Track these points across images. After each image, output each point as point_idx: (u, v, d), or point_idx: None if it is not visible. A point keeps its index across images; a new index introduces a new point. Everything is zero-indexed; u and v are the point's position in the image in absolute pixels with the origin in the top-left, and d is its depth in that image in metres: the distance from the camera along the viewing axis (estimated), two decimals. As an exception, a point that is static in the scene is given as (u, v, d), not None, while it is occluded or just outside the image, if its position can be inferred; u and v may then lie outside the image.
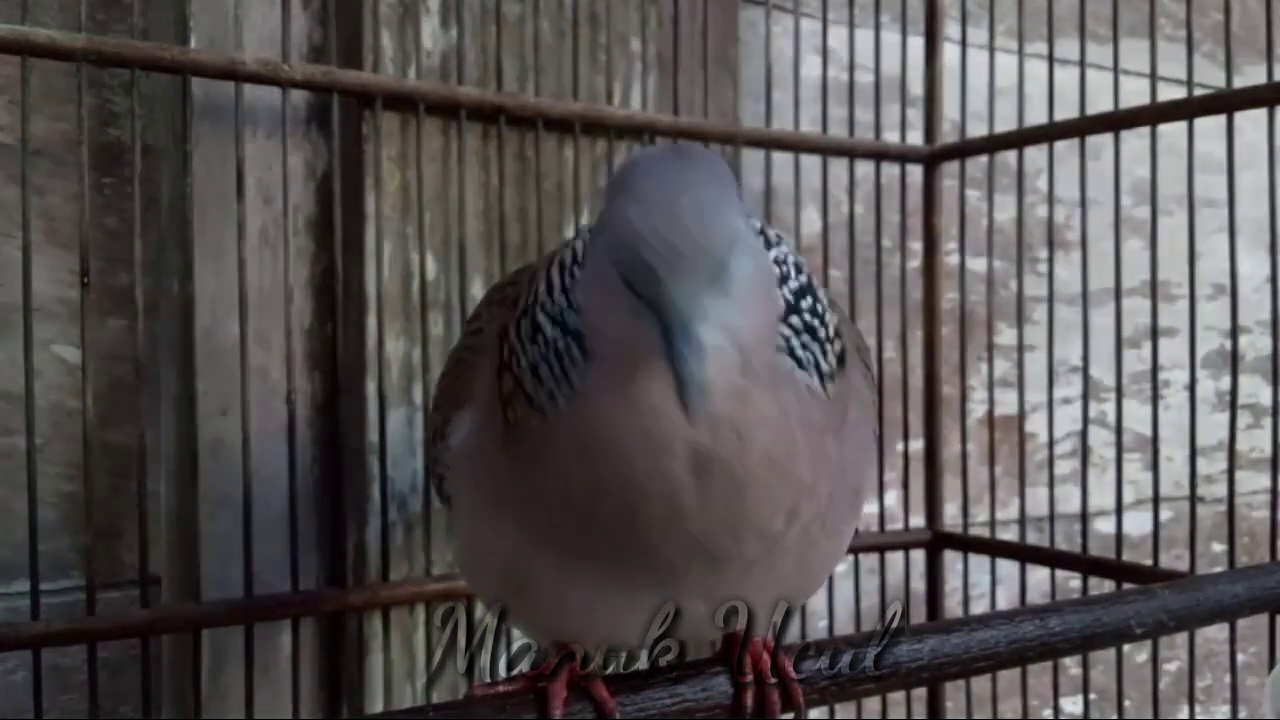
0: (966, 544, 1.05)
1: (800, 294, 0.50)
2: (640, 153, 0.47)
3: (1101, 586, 0.93)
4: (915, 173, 1.07)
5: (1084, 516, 0.95)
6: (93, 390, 0.72)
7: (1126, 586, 0.87)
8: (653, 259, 0.42)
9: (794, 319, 0.49)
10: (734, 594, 0.50)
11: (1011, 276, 1.09)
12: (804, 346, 0.49)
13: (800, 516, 0.48)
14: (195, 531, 0.80)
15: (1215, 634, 1.10)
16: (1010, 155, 1.03)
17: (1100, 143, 0.94)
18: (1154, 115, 0.90)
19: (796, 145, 1.00)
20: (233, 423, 0.79)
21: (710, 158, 0.47)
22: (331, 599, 0.81)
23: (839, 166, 1.03)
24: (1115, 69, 0.94)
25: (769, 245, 0.50)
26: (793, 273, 0.50)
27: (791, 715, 0.55)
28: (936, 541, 1.07)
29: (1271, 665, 0.78)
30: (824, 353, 0.49)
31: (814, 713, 0.58)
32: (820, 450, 0.49)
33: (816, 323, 0.50)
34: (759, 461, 0.46)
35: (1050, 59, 0.97)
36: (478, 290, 0.86)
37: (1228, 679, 0.89)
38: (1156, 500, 0.90)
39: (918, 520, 1.07)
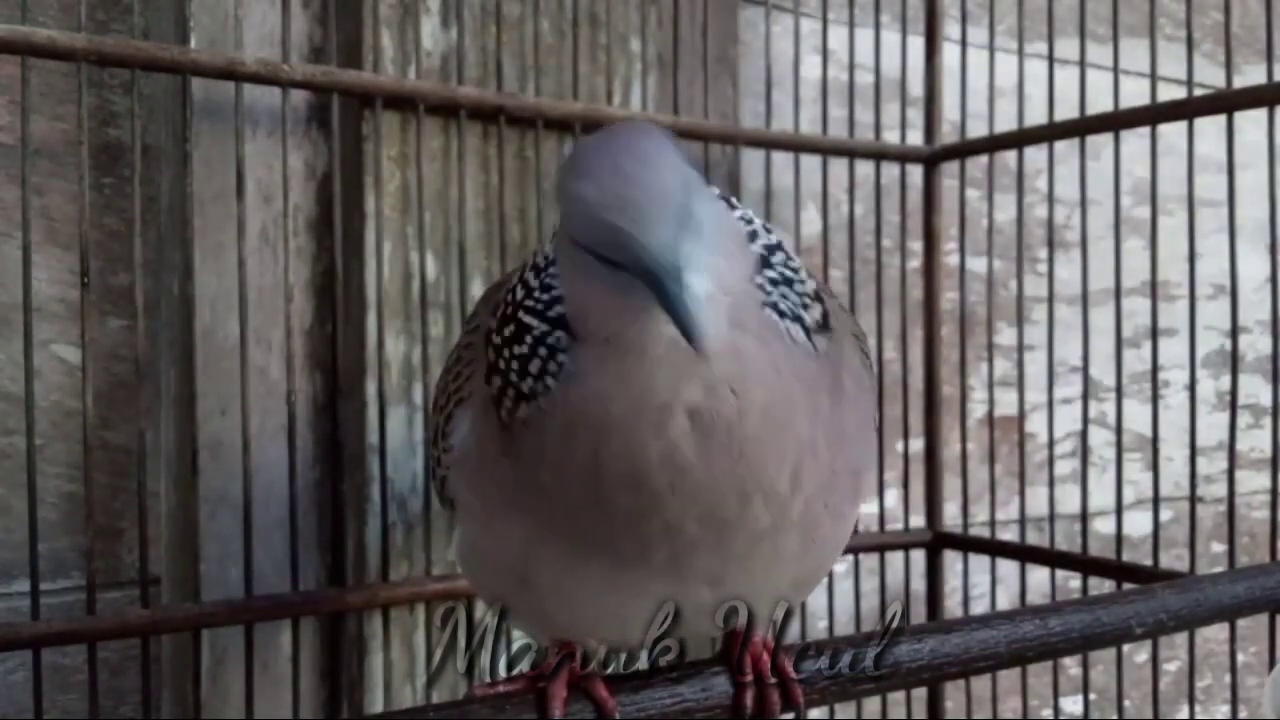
0: (966, 544, 1.05)
1: (772, 250, 0.50)
2: (572, 149, 0.48)
3: (1101, 586, 0.93)
4: (915, 173, 1.07)
5: (1084, 516, 0.95)
6: (93, 390, 0.72)
7: (1126, 586, 0.87)
8: (618, 220, 0.42)
9: (769, 272, 0.49)
10: (741, 578, 0.50)
11: (1011, 276, 1.09)
12: (784, 298, 0.49)
13: (804, 482, 0.48)
14: (195, 531, 0.80)
15: (1215, 634, 1.11)
16: (1010, 155, 1.03)
17: (1100, 143, 0.94)
18: (1154, 115, 0.90)
19: (796, 145, 1.00)
20: (233, 423, 0.79)
21: (640, 124, 0.47)
22: (331, 599, 0.81)
23: (839, 167, 1.03)
24: (1115, 69, 0.94)
25: (732, 207, 0.51)
26: (761, 231, 0.51)
27: (791, 715, 0.55)
28: (936, 541, 1.07)
29: (1271, 665, 0.78)
30: (804, 305, 0.50)
31: (814, 713, 0.58)
32: (816, 405, 0.48)
33: (792, 274, 0.50)
34: (758, 418, 0.46)
35: (1050, 59, 0.97)
36: (478, 290, 0.86)
37: (1228, 679, 0.89)
38: (1156, 500, 0.90)
39: (918, 520, 1.07)
